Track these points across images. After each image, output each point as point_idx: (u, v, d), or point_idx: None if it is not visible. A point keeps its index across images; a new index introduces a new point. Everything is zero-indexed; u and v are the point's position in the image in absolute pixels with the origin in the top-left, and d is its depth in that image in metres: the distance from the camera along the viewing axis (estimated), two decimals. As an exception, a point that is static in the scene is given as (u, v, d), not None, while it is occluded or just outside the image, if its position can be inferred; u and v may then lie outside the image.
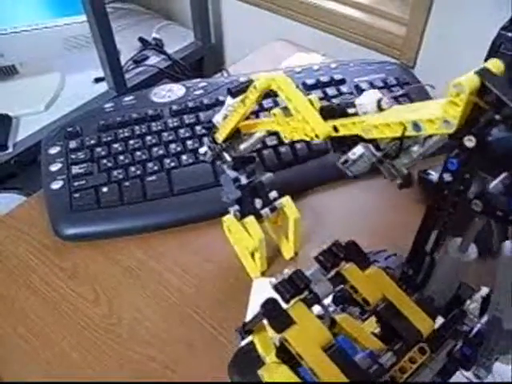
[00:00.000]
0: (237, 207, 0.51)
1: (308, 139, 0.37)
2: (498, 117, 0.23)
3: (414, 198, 0.57)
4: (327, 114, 0.35)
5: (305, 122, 0.36)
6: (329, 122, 0.34)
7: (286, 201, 0.51)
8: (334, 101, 0.70)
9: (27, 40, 0.95)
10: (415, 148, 0.29)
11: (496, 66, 0.23)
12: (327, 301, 0.37)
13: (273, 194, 0.51)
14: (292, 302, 0.30)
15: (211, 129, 0.50)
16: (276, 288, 0.29)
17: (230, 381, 0.41)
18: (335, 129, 0.33)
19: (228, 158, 0.49)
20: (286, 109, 0.39)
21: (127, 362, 0.48)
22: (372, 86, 0.72)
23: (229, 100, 0.46)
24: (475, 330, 0.33)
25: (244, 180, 0.50)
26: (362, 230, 0.58)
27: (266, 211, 0.51)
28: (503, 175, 0.27)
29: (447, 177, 0.27)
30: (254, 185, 0.50)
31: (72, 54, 1.03)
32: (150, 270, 0.55)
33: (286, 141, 0.41)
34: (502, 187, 0.26)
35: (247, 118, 0.46)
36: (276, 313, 0.29)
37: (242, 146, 0.48)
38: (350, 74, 0.75)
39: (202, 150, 0.52)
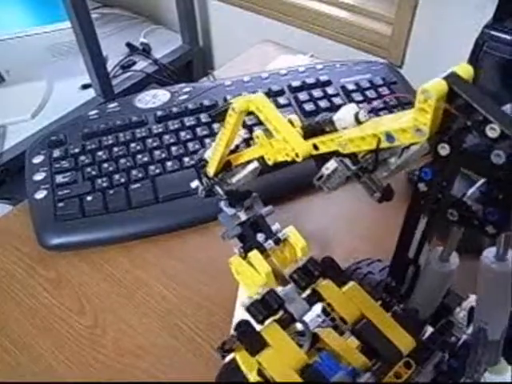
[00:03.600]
0: (240, 245, 0.48)
1: (290, 159, 0.36)
2: (469, 123, 0.23)
3: (403, 200, 0.56)
4: (308, 132, 0.34)
5: (285, 142, 0.35)
6: (309, 141, 0.34)
7: (290, 231, 0.48)
8: (315, 118, 0.69)
9: (13, 48, 0.94)
10: (392, 160, 0.28)
11: (465, 70, 0.23)
12: (317, 311, 0.36)
13: (275, 227, 0.48)
14: (267, 322, 0.29)
15: (202, 164, 0.46)
16: (248, 309, 0.28)
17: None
18: (315, 147, 0.33)
19: (221, 192, 0.46)
20: (267, 130, 0.38)
21: (113, 372, 0.47)
22: (358, 86, 0.72)
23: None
24: (461, 341, 0.32)
25: (243, 216, 0.47)
26: (354, 235, 0.57)
27: (269, 243, 0.47)
28: (480, 182, 0.26)
29: (422, 187, 0.26)
30: (255, 220, 0.47)
31: (58, 61, 1.03)
32: (136, 279, 0.55)
33: (270, 163, 0.38)
34: (478, 195, 0.26)
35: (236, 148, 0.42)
36: (249, 335, 0.28)
37: (235, 179, 0.44)
38: (336, 75, 0.74)
39: (194, 184, 0.48)
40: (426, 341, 0.33)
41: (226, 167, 0.44)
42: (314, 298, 0.30)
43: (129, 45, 1.07)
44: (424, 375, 0.32)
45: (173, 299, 0.53)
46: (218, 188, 0.46)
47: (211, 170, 0.44)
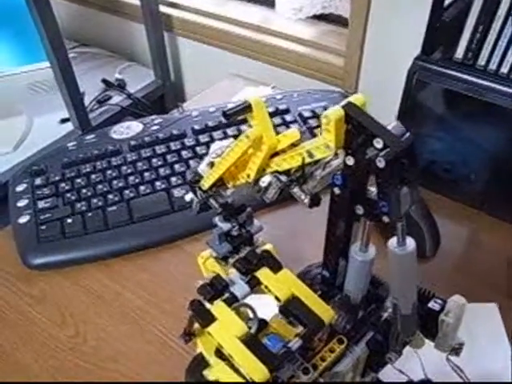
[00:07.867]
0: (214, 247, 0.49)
1: (244, 181, 0.41)
2: (365, 138, 0.30)
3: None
4: None
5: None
6: None
7: (269, 249, 0.50)
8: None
9: (-6, 86, 1.00)
10: (317, 172, 0.34)
11: (358, 100, 0.30)
12: (275, 311, 0.42)
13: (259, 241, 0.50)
14: (215, 302, 0.35)
15: (195, 177, 0.46)
16: (199, 291, 0.35)
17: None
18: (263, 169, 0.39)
19: (216, 204, 0.46)
20: (219, 156, 0.42)
21: (94, 376, 0.52)
22: (314, 113, 0.79)
23: (213, 146, 0.44)
24: (383, 318, 0.39)
25: (235, 232, 0.48)
26: (315, 243, 0.63)
27: None
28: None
29: (336, 190, 0.33)
30: (245, 236, 0.48)
31: (39, 97, 1.09)
32: (114, 293, 0.60)
33: (229, 186, 0.43)
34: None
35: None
36: (201, 311, 0.35)
37: (229, 191, 0.45)
38: (294, 104, 0.82)
39: (188, 197, 0.48)
40: (359, 321, 0.39)
41: (219, 182, 0.44)
42: (254, 282, 0.37)
43: (105, 81, 1.14)
44: (356, 351, 0.39)
45: (147, 309, 0.58)
46: (212, 201, 0.46)
47: (207, 183, 0.44)
